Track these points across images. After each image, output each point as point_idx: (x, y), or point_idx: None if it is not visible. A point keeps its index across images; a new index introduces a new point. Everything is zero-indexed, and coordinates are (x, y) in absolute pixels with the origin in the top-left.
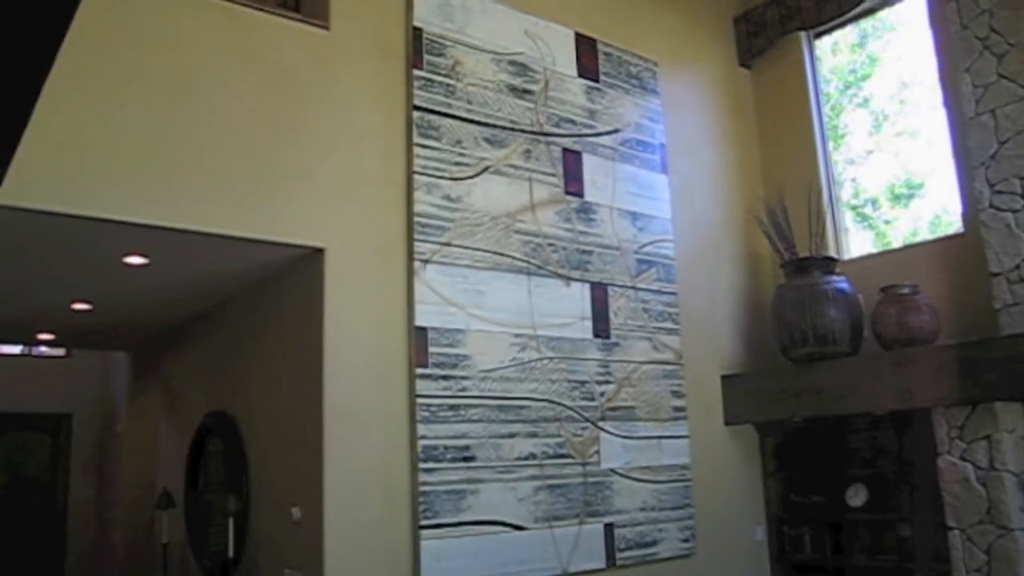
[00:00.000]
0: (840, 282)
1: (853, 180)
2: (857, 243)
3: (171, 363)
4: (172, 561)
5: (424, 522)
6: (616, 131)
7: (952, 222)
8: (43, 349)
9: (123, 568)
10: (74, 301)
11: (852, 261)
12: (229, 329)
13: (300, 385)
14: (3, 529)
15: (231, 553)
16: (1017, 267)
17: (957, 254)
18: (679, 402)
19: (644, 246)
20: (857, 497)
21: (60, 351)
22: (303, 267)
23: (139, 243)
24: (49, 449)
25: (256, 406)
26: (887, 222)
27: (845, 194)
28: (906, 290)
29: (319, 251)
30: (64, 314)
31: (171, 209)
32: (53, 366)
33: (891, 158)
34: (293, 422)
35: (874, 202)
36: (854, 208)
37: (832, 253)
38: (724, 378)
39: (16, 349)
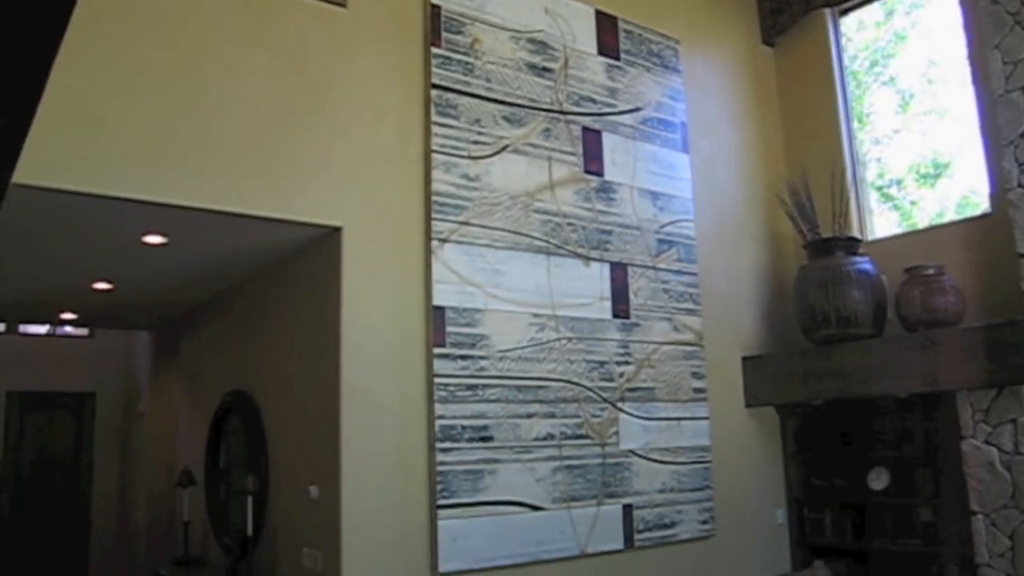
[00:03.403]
0: (864, 263)
1: (878, 160)
2: (882, 224)
3: (191, 342)
4: (193, 539)
5: (441, 502)
6: (636, 110)
7: (979, 203)
8: (68, 329)
9: (146, 546)
10: (95, 280)
11: (876, 242)
12: (248, 308)
13: (317, 364)
14: (29, 507)
15: (250, 531)
16: None
17: (984, 235)
18: (699, 383)
19: (664, 226)
20: (879, 480)
21: (83, 331)
22: (320, 246)
23: (158, 222)
24: (73, 428)
25: (274, 385)
26: (913, 203)
27: (870, 174)
28: (931, 271)
29: (336, 230)
30: (85, 293)
31: (189, 188)
32: (77, 346)
33: (917, 137)
34: (310, 401)
35: (899, 182)
36: (879, 189)
37: (856, 234)
38: (745, 359)
39: (41, 329)
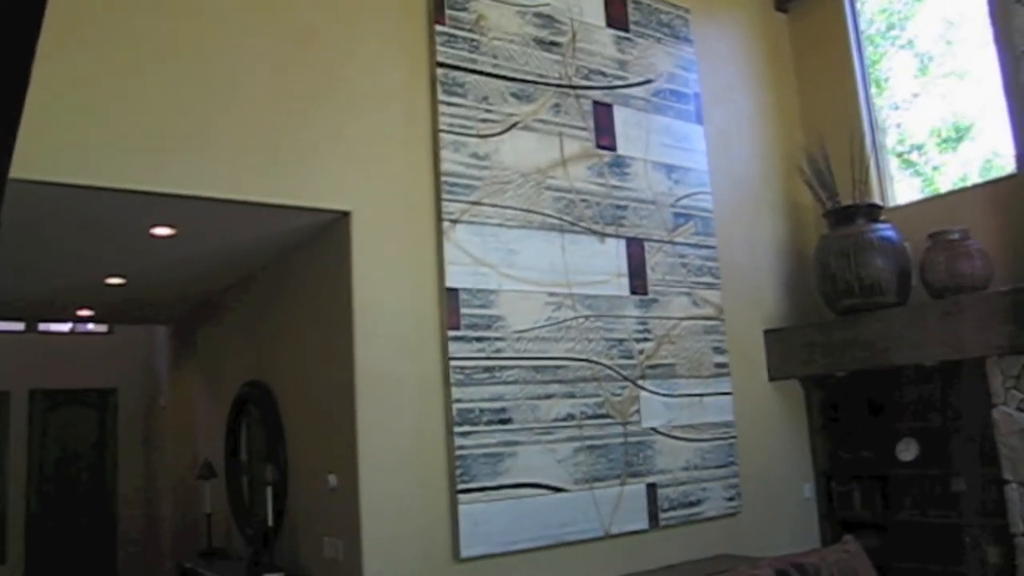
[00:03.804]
0: (886, 230)
1: (898, 126)
2: (903, 191)
3: (208, 334)
4: (217, 531)
5: (461, 486)
6: (648, 82)
7: (1004, 165)
8: (90, 327)
9: (172, 539)
10: (107, 276)
11: (898, 208)
12: (262, 298)
13: (332, 351)
14: (55, 505)
15: (270, 521)
16: None
17: (1010, 196)
18: (721, 358)
19: (680, 199)
20: (908, 451)
21: (103, 327)
22: (330, 232)
23: (165, 213)
24: (97, 424)
25: (290, 375)
26: (935, 168)
27: (890, 141)
28: (956, 235)
29: (345, 215)
30: (99, 289)
31: (194, 177)
32: (97, 342)
33: (938, 101)
34: (326, 389)
35: (920, 148)
36: (899, 155)
37: (876, 200)
38: (767, 332)
39: (62, 327)
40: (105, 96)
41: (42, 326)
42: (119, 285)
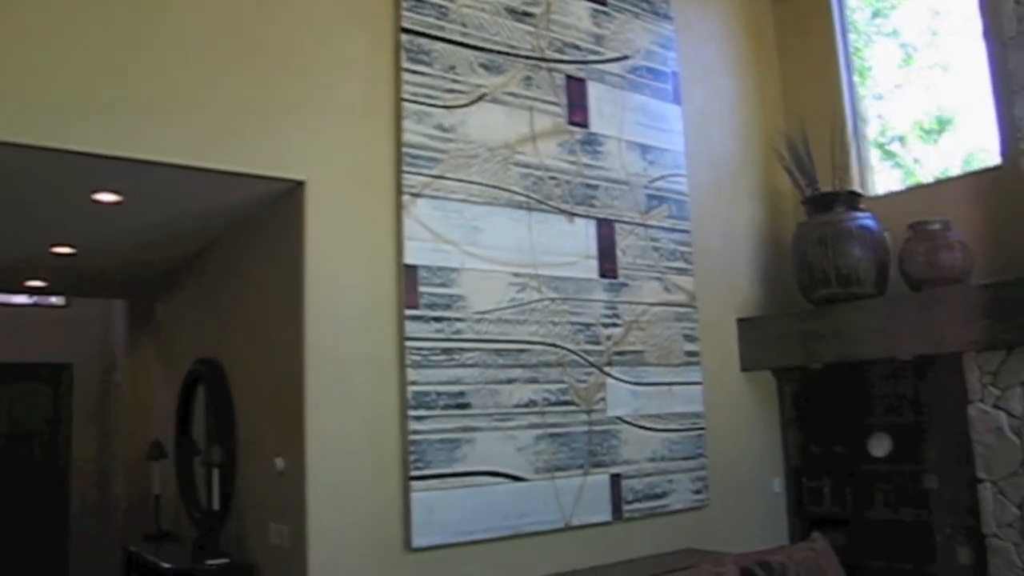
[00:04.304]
0: (865, 218)
1: (880, 116)
2: (884, 183)
3: (164, 309)
4: (167, 513)
5: (415, 473)
6: (624, 58)
7: (986, 159)
8: (52, 299)
9: (125, 520)
10: (53, 244)
11: (879, 198)
12: (216, 272)
13: (283, 328)
14: (5, 481)
15: (216, 505)
16: None
17: (993, 188)
18: (692, 346)
19: (655, 180)
20: (880, 447)
21: (60, 300)
22: (285, 202)
23: (109, 178)
24: (50, 400)
25: (243, 352)
26: (915, 160)
27: (871, 131)
28: (937, 226)
29: (300, 184)
30: (47, 259)
31: (140, 140)
32: (53, 316)
33: (921, 92)
34: (277, 367)
35: (902, 139)
36: (880, 146)
37: (857, 189)
38: (740, 321)
39: (16, 299)
40: (44, 51)
41: None
42: (68, 255)
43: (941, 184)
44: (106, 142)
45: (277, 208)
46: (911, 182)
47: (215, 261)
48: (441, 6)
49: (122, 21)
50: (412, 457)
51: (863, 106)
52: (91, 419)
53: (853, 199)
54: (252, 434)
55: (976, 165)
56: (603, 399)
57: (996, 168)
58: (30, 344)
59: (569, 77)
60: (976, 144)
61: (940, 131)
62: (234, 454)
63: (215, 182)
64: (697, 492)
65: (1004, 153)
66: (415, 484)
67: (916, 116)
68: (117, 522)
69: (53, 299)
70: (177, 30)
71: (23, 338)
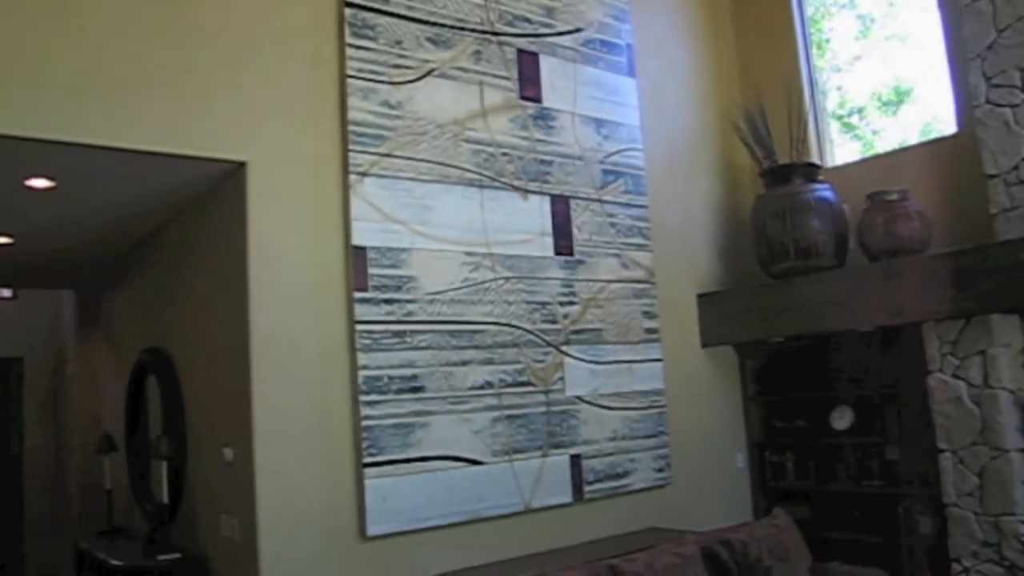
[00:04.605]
0: (823, 190)
1: (838, 88)
2: (843, 155)
3: (111, 299)
4: (120, 507)
5: (368, 459)
6: (577, 31)
7: (943, 129)
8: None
9: (80, 515)
10: None
11: (837, 169)
12: (162, 259)
13: (229, 314)
14: None
15: (165, 499)
16: (1016, 168)
17: (950, 156)
18: (651, 323)
19: (610, 155)
20: (842, 420)
21: (7, 293)
22: (226, 185)
23: (39, 162)
24: (1, 394)
25: (190, 340)
26: (874, 132)
27: (830, 104)
28: (894, 196)
29: (241, 165)
30: None
31: (71, 123)
32: (1, 309)
33: (879, 64)
34: (224, 355)
35: (861, 111)
36: (839, 118)
37: (816, 160)
38: (700, 297)
39: None
40: None
41: None
42: (6, 244)
43: (898, 154)
44: (35, 125)
45: (220, 191)
46: (870, 154)
47: (162, 248)
48: None
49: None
50: (365, 443)
51: (822, 79)
52: (45, 414)
53: (811, 170)
54: (202, 425)
55: (934, 135)
56: (561, 379)
57: (952, 136)
58: None
59: (520, 51)
60: (933, 115)
61: (899, 103)
62: (185, 446)
63: (152, 165)
64: (659, 471)
65: (959, 121)
66: (368, 471)
67: (874, 88)
68: (72, 518)
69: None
70: (108, 7)
71: None
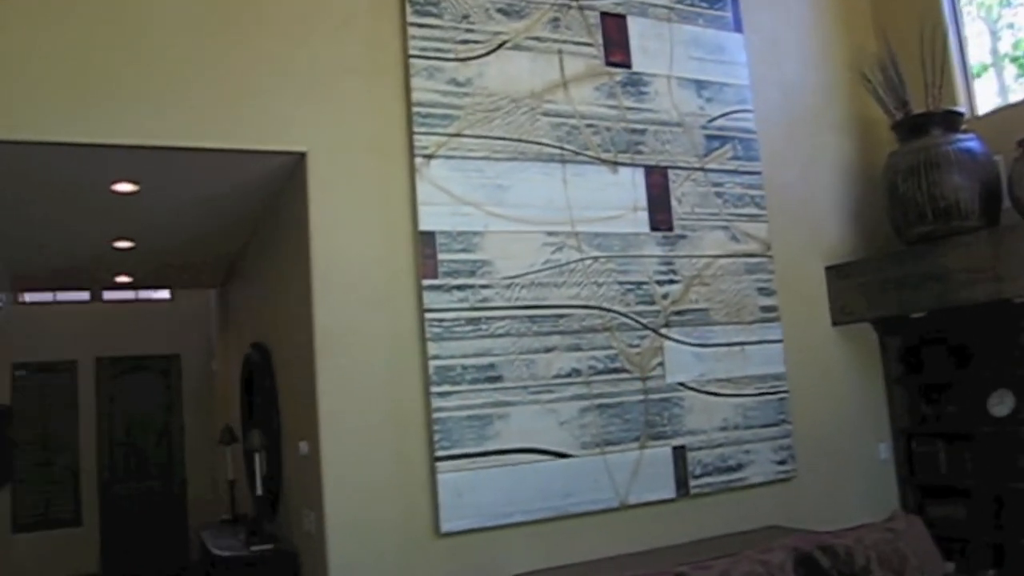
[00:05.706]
0: (967, 140)
1: (1011, 27)
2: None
3: (234, 295)
4: (241, 497)
5: (440, 453)
6: None
7: None
8: (155, 294)
9: (215, 503)
10: (110, 239)
11: (984, 117)
12: (261, 255)
13: (299, 307)
14: (127, 469)
15: (259, 490)
16: None
17: None
18: (768, 300)
19: (714, 119)
20: (1002, 405)
21: (165, 294)
22: (289, 176)
23: (122, 168)
24: (162, 391)
25: (280, 334)
26: None
27: (1004, 45)
28: None
29: (301, 155)
30: (108, 253)
31: (139, 126)
32: (160, 309)
33: None
34: (298, 349)
35: None
36: (1015, 60)
37: (961, 108)
38: (829, 269)
39: (125, 295)
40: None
41: (107, 295)
42: (129, 248)
43: None
44: (112, 132)
45: (286, 184)
46: None
47: (259, 244)
48: None
49: (98, 9)
50: (437, 436)
51: (992, 16)
52: (200, 407)
53: (952, 119)
54: (288, 418)
55: None
56: (661, 364)
57: None
58: (140, 338)
59: (604, 14)
60: None
61: None
62: (279, 439)
63: (216, 162)
64: (781, 463)
65: None
66: (441, 465)
67: None
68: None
69: (160, 293)
70: (160, 13)
71: (133, 332)
